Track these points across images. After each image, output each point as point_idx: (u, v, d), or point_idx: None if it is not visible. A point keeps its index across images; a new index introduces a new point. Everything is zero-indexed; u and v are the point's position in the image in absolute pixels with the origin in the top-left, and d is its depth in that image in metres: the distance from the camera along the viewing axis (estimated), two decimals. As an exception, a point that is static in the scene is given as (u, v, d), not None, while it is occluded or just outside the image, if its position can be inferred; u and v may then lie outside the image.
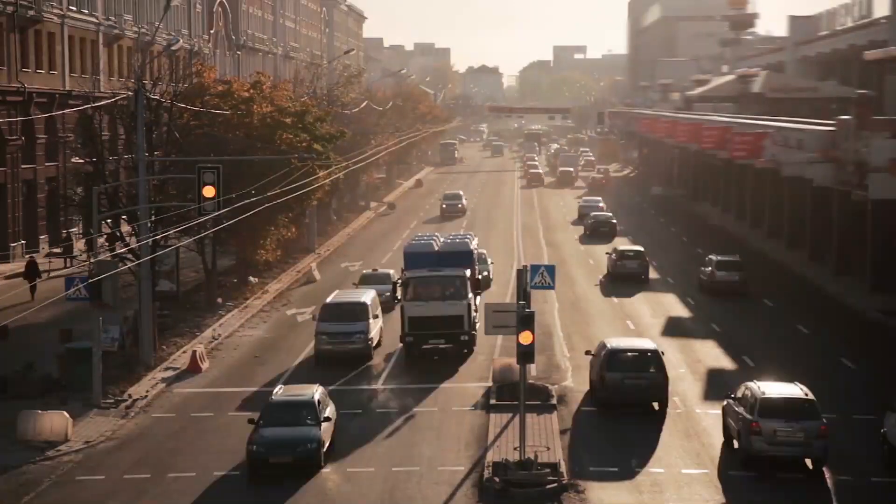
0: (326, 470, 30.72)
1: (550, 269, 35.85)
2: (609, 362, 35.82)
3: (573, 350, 45.05)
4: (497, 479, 29.48)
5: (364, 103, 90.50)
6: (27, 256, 60.74)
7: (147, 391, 39.09)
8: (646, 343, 37.93)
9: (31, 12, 67.50)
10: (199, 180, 39.65)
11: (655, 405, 35.92)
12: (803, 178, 60.73)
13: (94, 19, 77.91)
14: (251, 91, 55.10)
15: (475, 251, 48.04)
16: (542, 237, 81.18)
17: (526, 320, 30.04)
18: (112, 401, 37.52)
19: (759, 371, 41.78)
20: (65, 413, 34.15)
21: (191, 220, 41.42)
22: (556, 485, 29.28)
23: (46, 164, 69.93)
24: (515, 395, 34.11)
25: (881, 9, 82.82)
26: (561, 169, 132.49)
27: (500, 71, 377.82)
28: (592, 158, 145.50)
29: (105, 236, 45.31)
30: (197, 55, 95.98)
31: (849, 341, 46.68)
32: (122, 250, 43.68)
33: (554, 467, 30.10)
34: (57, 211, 66.74)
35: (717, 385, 39.97)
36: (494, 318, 31.91)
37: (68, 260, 63.79)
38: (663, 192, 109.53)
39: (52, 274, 58.20)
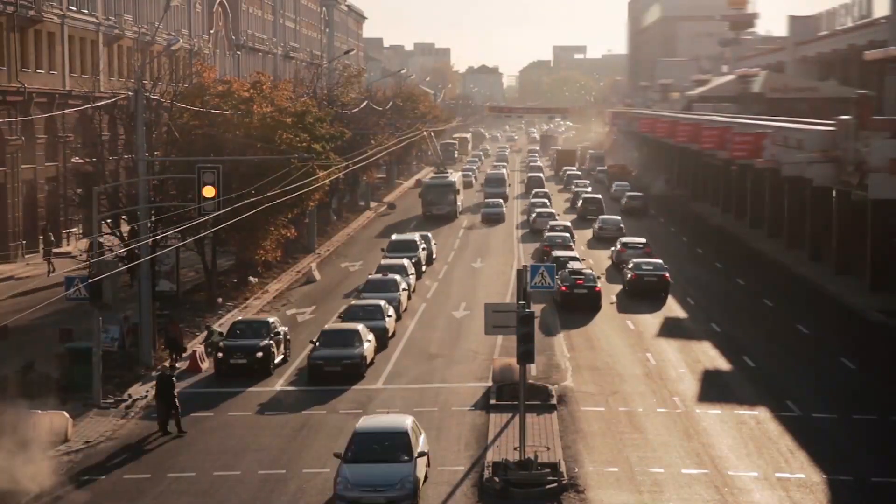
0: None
1: (550, 269, 35.82)
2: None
3: (573, 350, 45.10)
4: (497, 479, 29.49)
5: (364, 103, 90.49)
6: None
7: (147, 391, 39.06)
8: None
9: (31, 12, 67.49)
10: (199, 180, 39.66)
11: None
12: (803, 178, 60.74)
13: (94, 19, 77.92)
14: (251, 91, 55.08)
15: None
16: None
17: (526, 320, 30.05)
18: (112, 401, 37.54)
19: (759, 370, 41.89)
20: (65, 413, 34.16)
21: (191, 220, 41.41)
22: (556, 485, 29.30)
23: (46, 164, 69.92)
24: (515, 395, 34.12)
25: (881, 9, 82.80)
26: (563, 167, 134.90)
27: (500, 71, 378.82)
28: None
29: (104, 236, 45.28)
30: (197, 55, 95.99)
31: (849, 341, 46.66)
32: (122, 250, 43.67)
33: (554, 467, 30.11)
34: (57, 211, 66.76)
35: (716, 385, 40.02)
36: (494, 318, 31.85)
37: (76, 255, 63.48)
38: (664, 190, 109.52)
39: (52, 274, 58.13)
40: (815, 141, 58.68)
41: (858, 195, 53.93)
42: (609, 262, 65.62)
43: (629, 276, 56.25)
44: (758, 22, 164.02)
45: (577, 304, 51.95)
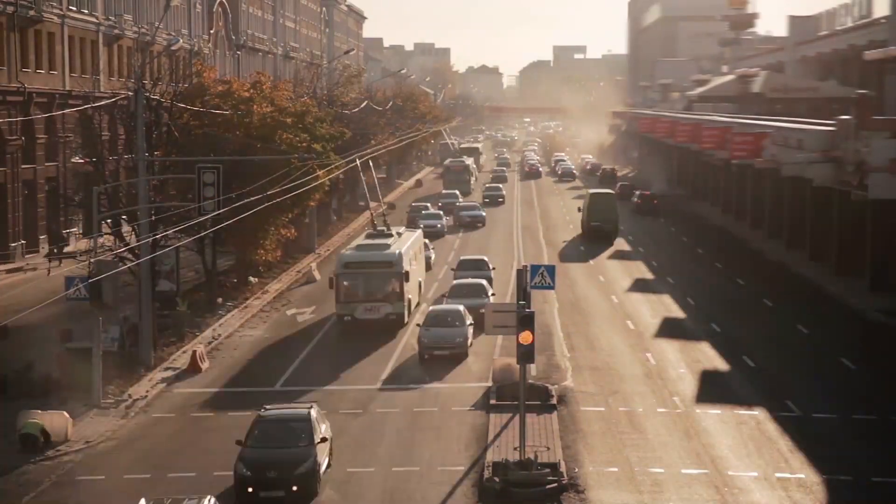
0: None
1: (550, 269, 35.76)
2: None
3: (573, 350, 45.10)
4: (497, 479, 29.49)
5: (364, 103, 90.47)
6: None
7: (147, 391, 39.11)
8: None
9: (31, 12, 67.50)
10: (199, 180, 39.70)
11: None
12: (803, 178, 60.71)
13: (94, 19, 77.92)
14: (251, 91, 55.09)
15: None
16: (542, 237, 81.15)
17: (526, 320, 30.04)
18: (112, 401, 37.54)
19: (759, 370, 41.88)
20: (65, 413, 34.16)
21: (191, 220, 41.41)
22: (556, 485, 29.29)
23: (46, 164, 69.92)
24: (515, 395, 34.09)
25: (881, 9, 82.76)
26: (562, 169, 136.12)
27: (500, 71, 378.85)
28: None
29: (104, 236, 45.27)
30: (197, 55, 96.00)
31: (849, 341, 46.63)
32: (122, 250, 43.66)
33: (554, 467, 30.11)
34: (57, 211, 66.72)
35: (716, 385, 40.00)
36: (494, 318, 31.83)
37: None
38: (664, 190, 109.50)
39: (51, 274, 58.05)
40: (815, 141, 58.63)
41: (858, 195, 53.89)
42: None
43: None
44: (758, 22, 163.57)
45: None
